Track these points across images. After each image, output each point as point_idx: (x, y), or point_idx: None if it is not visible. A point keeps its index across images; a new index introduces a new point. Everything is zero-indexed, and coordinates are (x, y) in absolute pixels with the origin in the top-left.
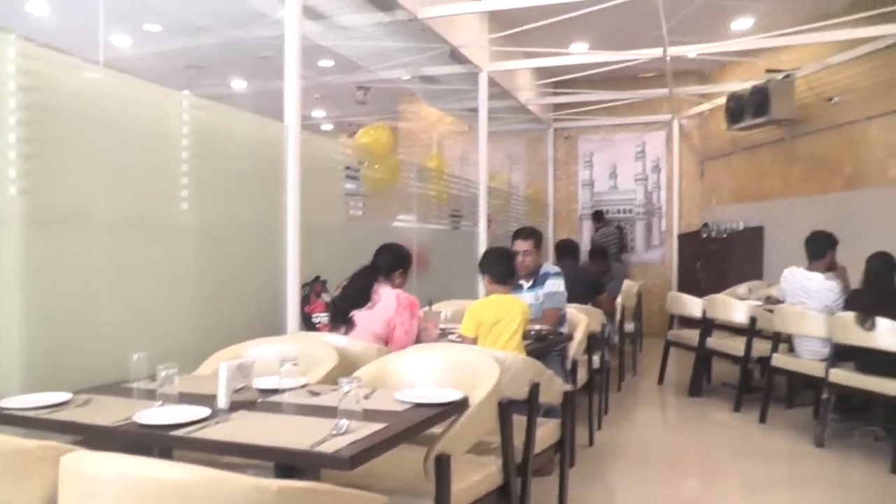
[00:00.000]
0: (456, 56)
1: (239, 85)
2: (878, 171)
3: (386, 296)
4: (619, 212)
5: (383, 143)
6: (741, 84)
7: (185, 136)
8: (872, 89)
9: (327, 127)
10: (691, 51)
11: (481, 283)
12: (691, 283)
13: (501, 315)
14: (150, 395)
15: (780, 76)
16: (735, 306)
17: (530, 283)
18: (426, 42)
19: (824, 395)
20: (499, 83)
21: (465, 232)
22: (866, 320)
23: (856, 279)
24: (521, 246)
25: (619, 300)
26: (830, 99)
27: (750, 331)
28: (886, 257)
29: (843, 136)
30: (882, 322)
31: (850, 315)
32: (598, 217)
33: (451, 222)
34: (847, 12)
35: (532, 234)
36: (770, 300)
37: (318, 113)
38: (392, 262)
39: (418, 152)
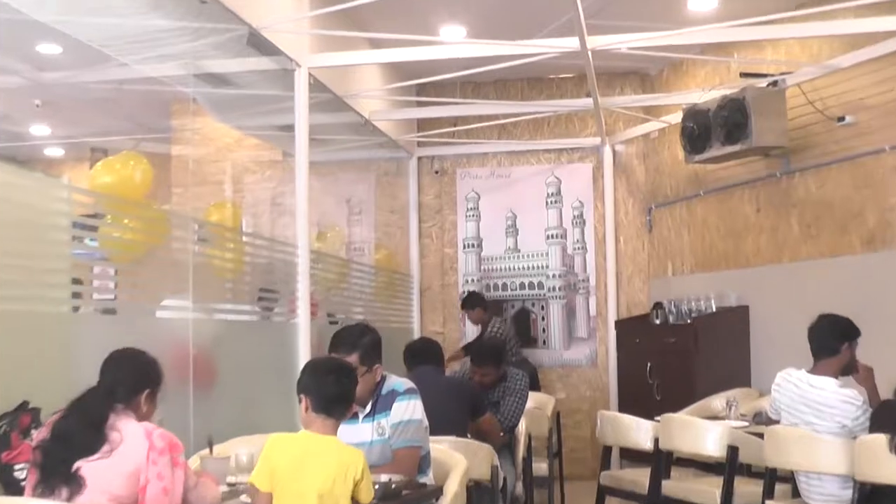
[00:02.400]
0: (258, 43)
1: None
2: None
3: (130, 434)
4: (522, 287)
5: (137, 184)
6: (704, 94)
7: None
8: None
9: (56, 152)
10: (622, 43)
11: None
12: (639, 394)
13: (305, 463)
14: None
15: (762, 83)
16: (705, 431)
17: (368, 409)
18: (210, 20)
19: None
20: (328, 87)
21: (275, 323)
22: None
23: (886, 385)
24: None
25: (521, 425)
26: (841, 118)
27: (729, 467)
28: None
29: (862, 172)
30: None
31: (881, 439)
32: (474, 302)
33: (262, 308)
34: None
35: (356, 342)
36: (760, 418)
37: (41, 130)
38: (131, 379)
39: (204, 194)
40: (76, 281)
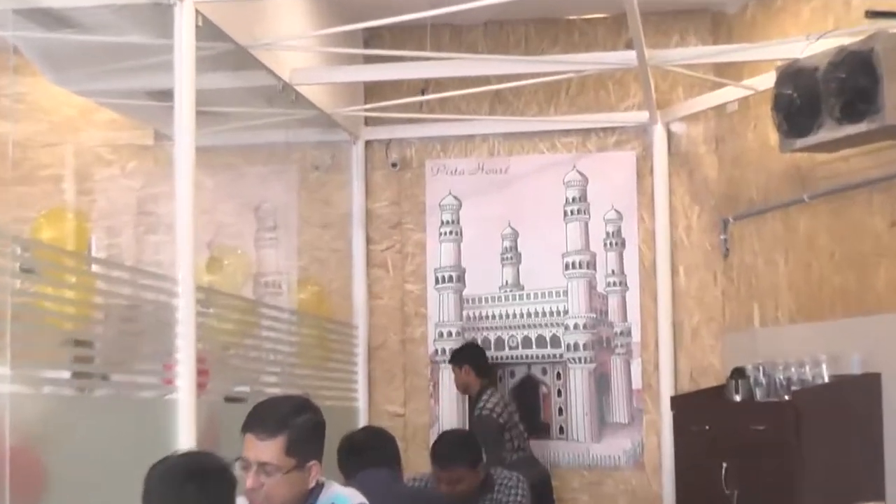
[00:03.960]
0: None
1: None
2: None
3: None
4: (527, 344)
5: None
6: (810, 44)
7: None
8: None
9: None
10: None
11: None
12: None
13: None
14: None
15: None
16: None
17: None
18: None
19: None
20: (226, 32)
21: (141, 400)
22: None
23: None
24: (256, 453)
25: None
26: None
27: None
28: None
29: None
30: None
31: None
32: (465, 357)
33: (73, 374)
34: None
35: (285, 420)
36: None
37: None
38: None
39: (31, 198)
40: None
